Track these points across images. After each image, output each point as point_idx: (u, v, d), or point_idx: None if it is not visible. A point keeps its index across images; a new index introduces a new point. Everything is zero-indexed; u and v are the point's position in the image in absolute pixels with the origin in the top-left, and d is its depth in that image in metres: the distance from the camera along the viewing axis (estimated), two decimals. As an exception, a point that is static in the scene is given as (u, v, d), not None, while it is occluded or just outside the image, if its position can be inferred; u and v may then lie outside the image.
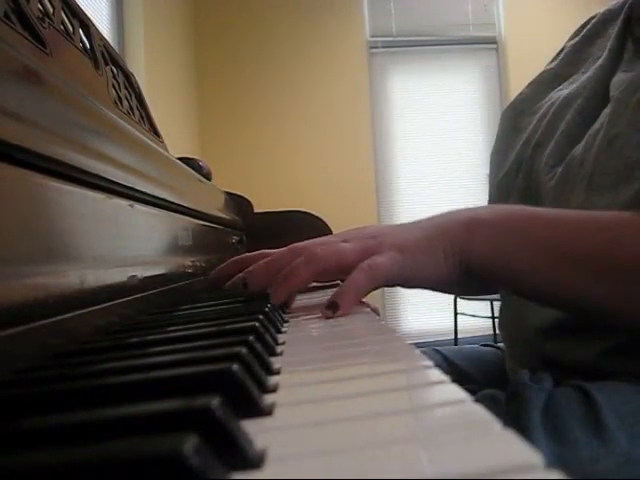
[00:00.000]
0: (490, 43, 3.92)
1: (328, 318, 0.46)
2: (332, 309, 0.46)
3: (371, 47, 3.81)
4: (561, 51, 0.78)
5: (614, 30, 0.69)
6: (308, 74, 3.70)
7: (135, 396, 0.22)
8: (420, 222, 0.52)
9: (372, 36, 3.82)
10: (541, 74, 0.78)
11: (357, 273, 0.47)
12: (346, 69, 3.72)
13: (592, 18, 0.77)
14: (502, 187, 0.71)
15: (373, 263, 0.47)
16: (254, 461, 0.17)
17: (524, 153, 0.69)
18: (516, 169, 0.69)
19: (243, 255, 0.64)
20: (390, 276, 0.48)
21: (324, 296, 0.62)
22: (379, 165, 3.78)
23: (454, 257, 0.49)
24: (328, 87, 3.70)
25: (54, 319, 0.36)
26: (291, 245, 0.55)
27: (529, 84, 0.78)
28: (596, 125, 0.60)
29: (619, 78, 0.61)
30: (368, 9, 3.81)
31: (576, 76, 0.71)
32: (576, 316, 0.55)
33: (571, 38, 0.79)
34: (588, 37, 0.75)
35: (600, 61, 0.67)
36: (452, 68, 3.90)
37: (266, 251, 0.59)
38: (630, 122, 0.55)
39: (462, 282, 0.51)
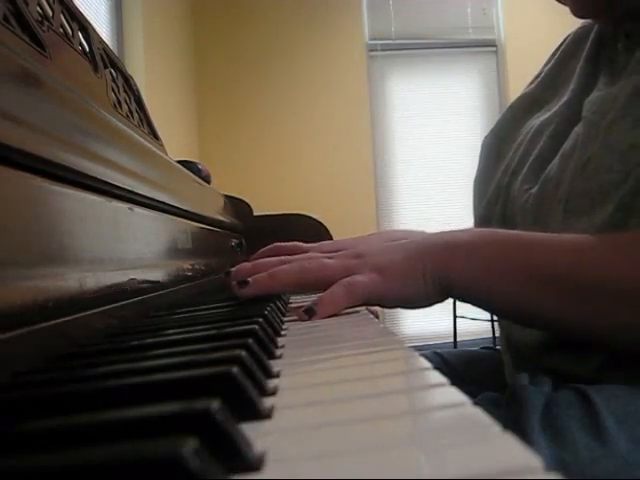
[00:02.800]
0: (489, 46, 3.93)
1: (302, 320, 0.49)
2: (308, 314, 0.49)
3: (370, 50, 3.82)
4: (539, 74, 0.79)
5: (585, 51, 0.69)
6: (307, 77, 3.70)
7: (135, 399, 0.22)
8: (402, 244, 0.54)
9: (371, 39, 3.82)
10: (520, 98, 0.79)
11: (337, 287, 0.49)
12: (345, 72, 3.73)
13: (567, 38, 0.77)
14: (484, 216, 0.73)
15: (353, 281, 0.49)
16: (253, 464, 0.17)
17: (502, 182, 0.70)
18: (495, 198, 0.71)
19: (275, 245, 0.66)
20: (369, 296, 0.50)
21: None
22: (378, 168, 3.78)
23: (434, 280, 0.50)
24: (327, 89, 3.70)
25: (54, 322, 0.36)
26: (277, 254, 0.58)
27: (509, 108, 0.79)
28: (568, 144, 0.61)
29: (593, 97, 0.61)
30: (367, 12, 3.82)
31: (553, 103, 0.71)
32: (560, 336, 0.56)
33: (548, 61, 0.79)
34: (562, 59, 0.75)
35: (571, 85, 0.68)
36: (451, 71, 3.90)
37: (299, 244, 0.62)
38: (603, 145, 0.55)
39: (444, 302, 0.53)
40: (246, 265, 0.57)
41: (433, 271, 0.50)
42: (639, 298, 0.46)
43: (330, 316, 0.49)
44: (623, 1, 0.62)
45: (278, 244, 0.64)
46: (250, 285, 0.53)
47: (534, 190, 0.63)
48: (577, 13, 0.66)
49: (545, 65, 0.79)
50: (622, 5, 0.62)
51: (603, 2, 0.63)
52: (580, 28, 0.74)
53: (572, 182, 0.58)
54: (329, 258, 0.53)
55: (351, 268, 0.51)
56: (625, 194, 0.52)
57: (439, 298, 0.52)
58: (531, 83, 0.80)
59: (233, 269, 0.58)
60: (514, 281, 0.49)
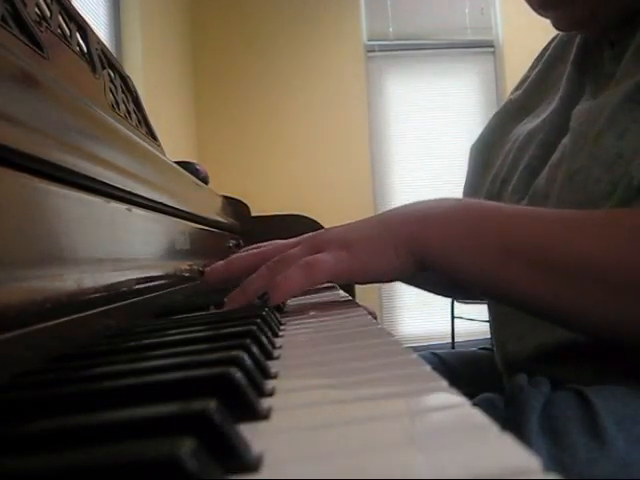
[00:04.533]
0: (487, 47, 3.93)
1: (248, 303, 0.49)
2: (263, 299, 0.48)
3: (368, 51, 3.82)
4: (525, 79, 0.78)
5: (571, 55, 0.69)
6: (306, 78, 3.70)
7: (133, 400, 0.22)
8: (371, 219, 0.52)
9: (369, 40, 3.82)
10: (506, 104, 0.78)
11: (293, 269, 0.48)
12: (343, 73, 3.73)
13: (552, 41, 0.77)
14: None
15: (313, 260, 0.48)
16: (251, 465, 0.17)
17: (492, 190, 0.69)
18: None
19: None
20: (334, 273, 0.48)
21: (320, 299, 0.63)
22: (376, 168, 3.78)
23: (406, 252, 0.48)
24: (325, 91, 3.71)
25: (51, 323, 0.36)
26: (258, 252, 0.57)
27: (495, 114, 0.78)
28: (556, 156, 0.60)
29: (581, 107, 0.60)
30: (365, 13, 3.82)
31: (540, 108, 0.71)
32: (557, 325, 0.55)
33: (534, 65, 0.79)
34: (549, 63, 0.75)
35: (560, 92, 0.67)
36: (449, 72, 3.91)
37: (276, 242, 0.60)
38: (590, 155, 0.54)
39: (427, 277, 0.50)
40: (219, 265, 0.56)
41: (405, 242, 0.48)
42: (610, 277, 0.44)
43: (328, 315, 0.49)
44: (608, 15, 0.61)
45: (256, 246, 0.64)
46: (226, 304, 0.52)
47: (524, 202, 0.63)
48: (559, 27, 0.66)
49: (531, 69, 0.78)
50: (604, 19, 0.61)
51: (581, 18, 0.62)
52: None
53: (561, 194, 0.57)
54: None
55: (316, 248, 0.50)
56: (614, 205, 0.51)
57: (417, 270, 0.49)
58: (517, 88, 0.79)
59: (207, 269, 0.57)
60: (488, 257, 0.47)
